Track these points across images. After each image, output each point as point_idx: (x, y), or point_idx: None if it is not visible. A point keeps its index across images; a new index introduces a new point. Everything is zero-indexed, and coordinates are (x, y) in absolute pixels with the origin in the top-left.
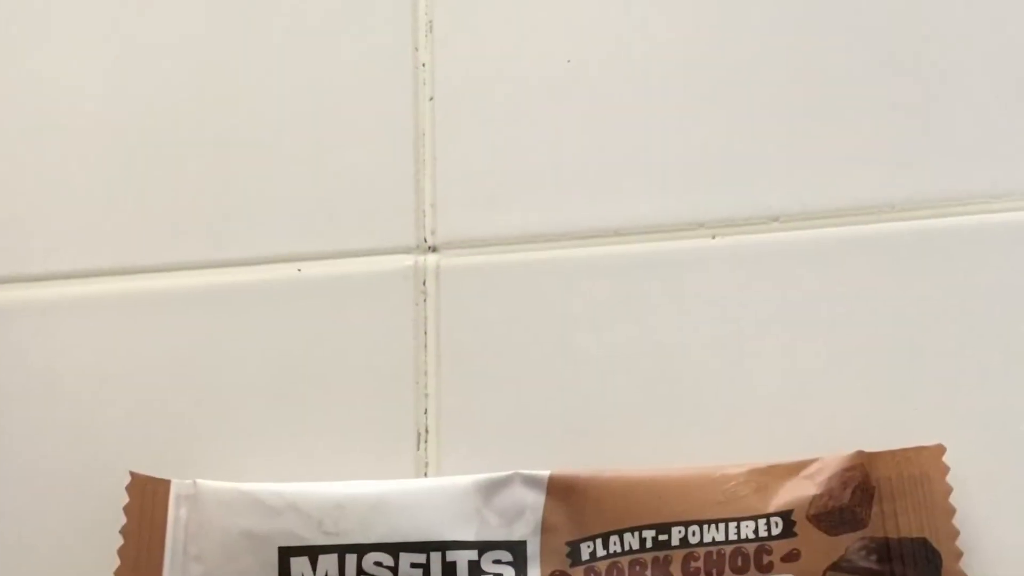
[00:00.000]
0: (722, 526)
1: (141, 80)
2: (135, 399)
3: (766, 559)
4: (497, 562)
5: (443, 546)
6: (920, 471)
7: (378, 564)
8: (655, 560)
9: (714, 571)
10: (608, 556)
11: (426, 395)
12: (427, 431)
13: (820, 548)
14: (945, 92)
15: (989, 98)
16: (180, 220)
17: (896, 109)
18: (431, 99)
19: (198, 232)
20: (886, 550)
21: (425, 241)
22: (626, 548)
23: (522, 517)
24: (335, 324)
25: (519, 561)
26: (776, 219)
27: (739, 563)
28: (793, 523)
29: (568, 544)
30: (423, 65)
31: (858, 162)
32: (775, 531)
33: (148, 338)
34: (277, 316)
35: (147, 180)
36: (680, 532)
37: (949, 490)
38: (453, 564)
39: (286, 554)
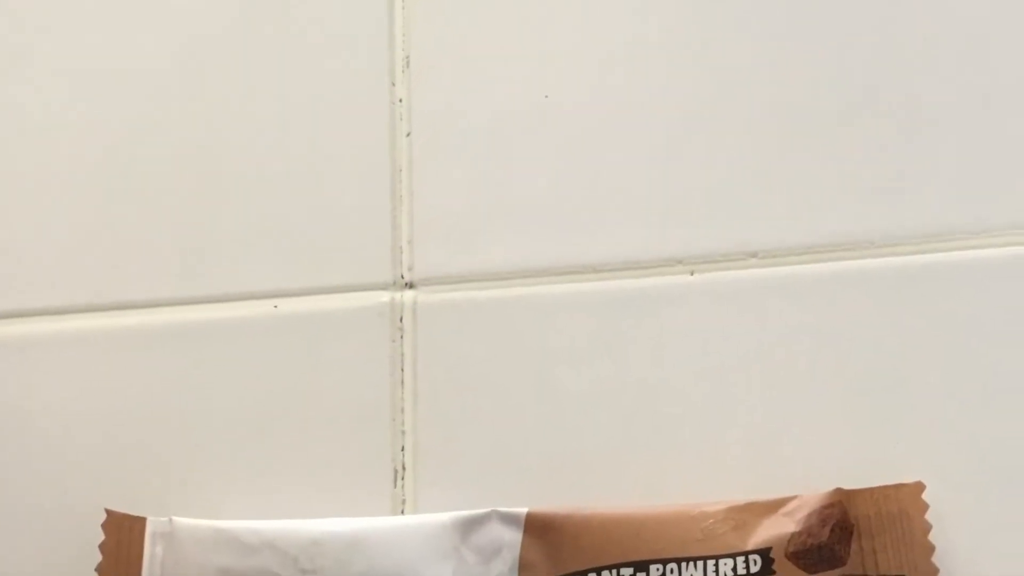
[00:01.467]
0: (700, 564)
1: (117, 115)
2: (111, 436)
3: None
4: None
5: None
6: (899, 508)
7: None
8: None
9: None
10: None
11: (403, 432)
12: (404, 468)
13: None
14: (925, 128)
15: (970, 134)
16: (156, 256)
17: (876, 145)
18: (408, 135)
19: (174, 268)
20: None
21: (402, 277)
22: None
23: (499, 555)
24: (312, 361)
25: None
26: (755, 255)
27: None
28: (772, 561)
29: None
30: (400, 100)
31: (838, 198)
32: (753, 569)
33: (124, 375)
34: (253, 353)
35: (123, 216)
36: (659, 570)
37: (928, 528)
38: None
39: None
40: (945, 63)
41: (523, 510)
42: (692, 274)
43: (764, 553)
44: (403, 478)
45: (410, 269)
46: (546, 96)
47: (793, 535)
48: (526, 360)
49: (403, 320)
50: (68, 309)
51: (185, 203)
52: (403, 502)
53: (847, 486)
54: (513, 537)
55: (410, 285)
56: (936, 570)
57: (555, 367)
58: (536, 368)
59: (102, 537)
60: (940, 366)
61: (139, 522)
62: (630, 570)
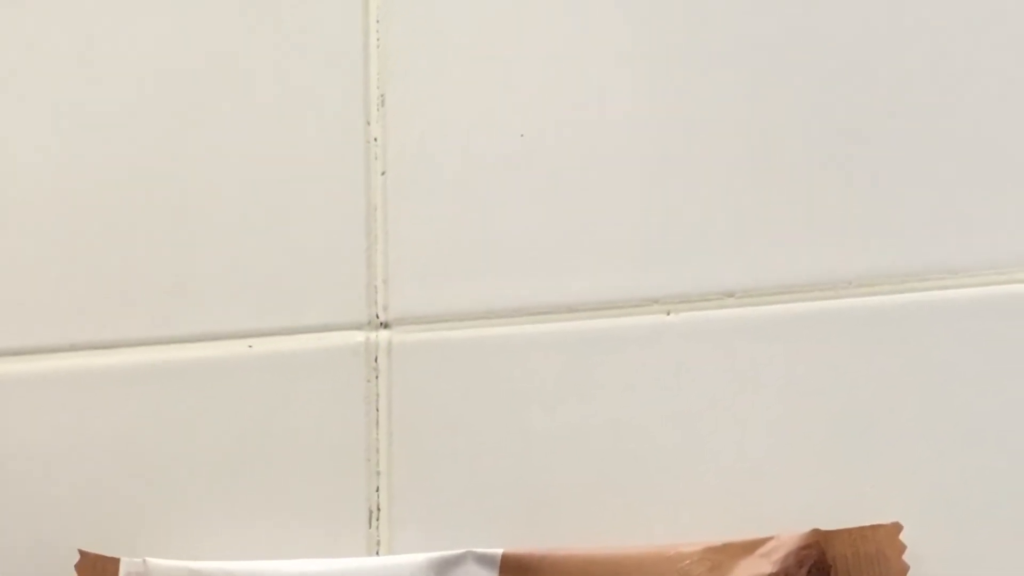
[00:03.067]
0: None
1: (91, 155)
2: (84, 476)
3: None
4: None
5: None
6: (877, 549)
7: None
8: None
9: None
10: None
11: (378, 472)
12: (379, 508)
13: None
14: (901, 168)
15: (945, 174)
16: (130, 296)
17: (852, 185)
18: (383, 173)
19: (148, 308)
20: None
21: (377, 317)
22: None
23: None
24: (286, 400)
25: None
26: (731, 295)
27: None
28: None
29: None
30: (375, 139)
31: (813, 238)
32: None
33: (98, 414)
34: (228, 392)
35: (96, 256)
36: None
37: (906, 568)
38: None
39: None
40: (919, 105)
41: (499, 551)
42: (668, 314)
43: None
44: (378, 518)
45: (385, 309)
46: (521, 135)
47: None
48: (501, 400)
49: (378, 360)
50: (41, 349)
51: (160, 243)
52: (378, 543)
53: (824, 527)
54: None
55: (385, 325)
56: None
57: (531, 407)
58: (511, 408)
59: None
60: (916, 406)
61: (112, 563)
62: None
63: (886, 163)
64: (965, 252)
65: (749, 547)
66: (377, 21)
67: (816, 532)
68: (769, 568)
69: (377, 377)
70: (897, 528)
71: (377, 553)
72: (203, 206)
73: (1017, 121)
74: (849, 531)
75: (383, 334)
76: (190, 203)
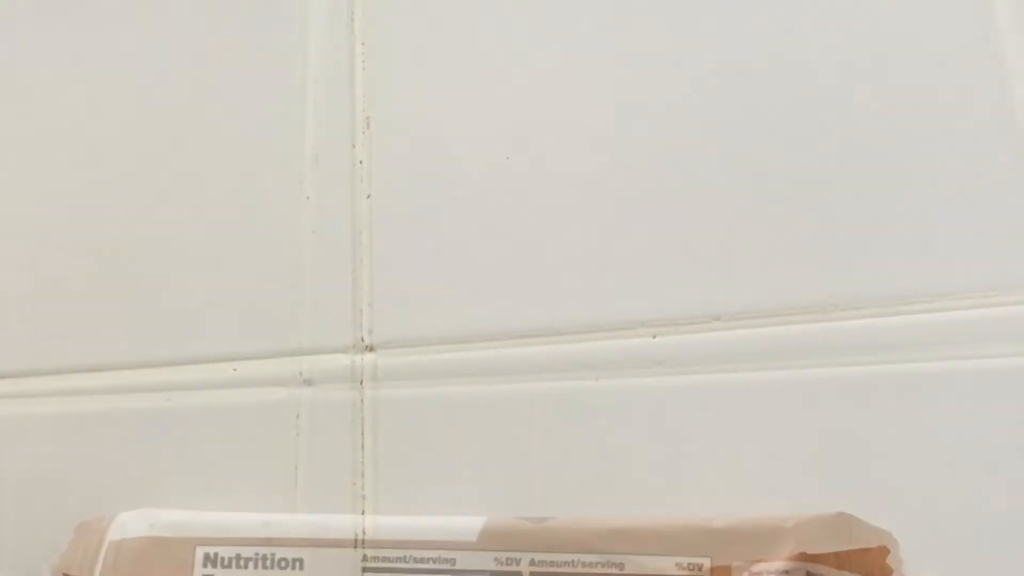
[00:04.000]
0: None
1: (74, 178)
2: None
3: None
4: None
5: None
6: (864, 573)
7: None
8: None
9: None
10: None
11: (363, 496)
12: (364, 533)
13: None
14: (887, 191)
15: (931, 197)
16: (115, 320)
17: (839, 208)
18: (369, 196)
19: (134, 332)
20: None
21: (363, 340)
22: None
23: None
24: (272, 424)
25: None
26: (718, 318)
27: None
28: None
29: None
30: (360, 162)
31: (800, 261)
32: None
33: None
34: (213, 416)
35: (82, 278)
36: None
37: None
38: None
39: None
40: (906, 128)
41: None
42: (655, 337)
43: None
44: (363, 543)
45: (370, 332)
46: (507, 159)
47: None
48: (487, 424)
49: (363, 383)
50: (19, 373)
51: (146, 266)
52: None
53: (811, 550)
54: None
55: (370, 348)
56: None
57: (516, 431)
58: (497, 432)
59: None
60: (902, 429)
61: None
62: None
63: (872, 187)
64: (951, 276)
65: (735, 570)
66: (362, 44)
67: (803, 555)
68: None
69: (362, 400)
70: (884, 552)
71: None
72: (189, 228)
73: (997, 146)
74: (836, 554)
75: (368, 357)
76: (175, 226)
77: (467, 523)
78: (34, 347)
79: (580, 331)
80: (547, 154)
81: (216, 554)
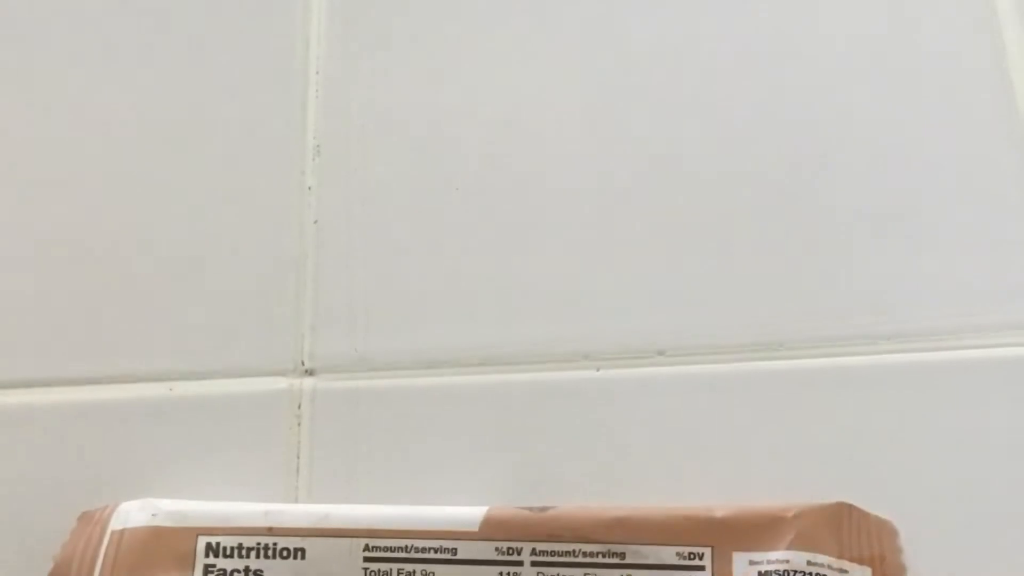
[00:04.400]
0: None
1: (10, 187)
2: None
3: None
4: None
5: None
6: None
7: None
8: None
9: None
10: None
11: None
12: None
13: None
14: (835, 230)
15: (878, 238)
16: (49, 335)
17: (786, 247)
18: (315, 222)
19: (67, 348)
20: None
21: (302, 364)
22: None
23: None
24: (205, 446)
25: None
26: (662, 353)
27: None
28: None
29: None
30: (309, 188)
31: (746, 299)
32: None
33: (14, 456)
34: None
35: (15, 294)
36: None
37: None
38: None
39: None
40: (859, 163)
41: None
42: (598, 370)
43: None
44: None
45: (311, 356)
46: (456, 189)
47: None
48: (426, 452)
49: (301, 407)
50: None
51: (82, 282)
52: None
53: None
54: None
55: (310, 372)
56: None
57: (454, 459)
58: (436, 459)
59: None
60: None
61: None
62: None
63: (819, 226)
64: (898, 317)
65: None
66: (316, 73)
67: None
68: None
69: (299, 424)
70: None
71: None
72: (128, 245)
73: (960, 185)
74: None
75: (307, 381)
76: (114, 242)
77: (468, 513)
78: (35, 339)
79: (523, 361)
80: (494, 186)
81: (218, 543)
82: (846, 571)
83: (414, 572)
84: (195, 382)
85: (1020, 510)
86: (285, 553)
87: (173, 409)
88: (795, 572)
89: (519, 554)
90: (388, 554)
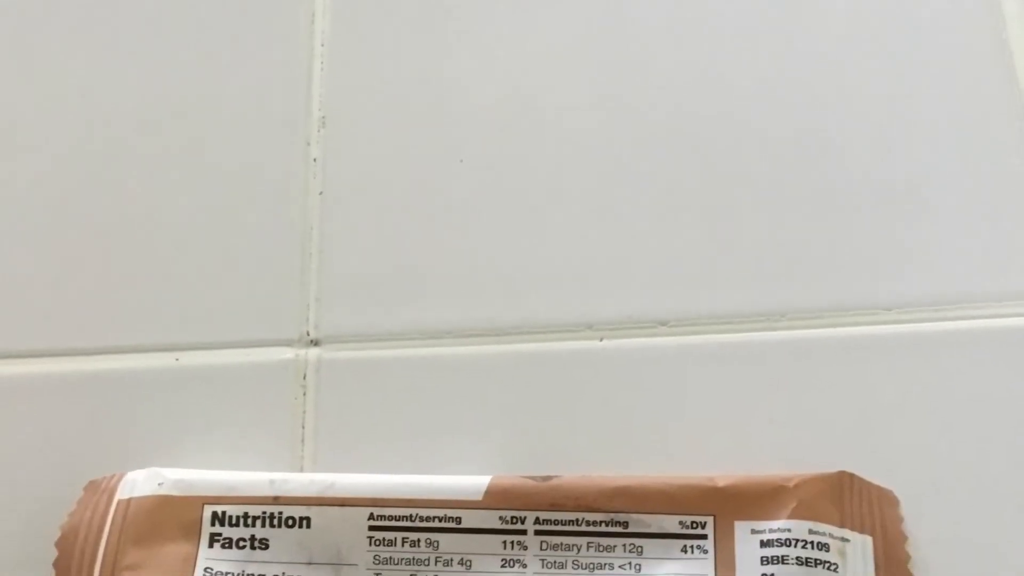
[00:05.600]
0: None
1: (19, 160)
2: (7, 487)
3: None
4: None
5: None
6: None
7: None
8: None
9: None
10: None
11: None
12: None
13: None
14: (836, 203)
15: (880, 209)
16: (56, 307)
17: (787, 219)
18: (321, 193)
19: (75, 319)
20: None
21: (307, 334)
22: None
23: None
24: (212, 415)
25: None
26: (664, 323)
27: None
28: None
29: None
30: (314, 160)
31: (749, 270)
32: None
33: (21, 425)
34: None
35: (23, 264)
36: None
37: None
38: None
39: None
40: (857, 136)
41: None
42: (601, 340)
43: None
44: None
45: (316, 327)
46: (461, 161)
47: None
48: (430, 421)
49: (306, 377)
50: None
51: (89, 253)
52: None
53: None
54: None
55: (315, 342)
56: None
57: (459, 429)
58: (439, 430)
59: None
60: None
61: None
62: None
63: (819, 197)
64: (899, 288)
65: None
66: (322, 45)
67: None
68: None
69: (305, 394)
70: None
71: None
72: (135, 216)
73: (961, 158)
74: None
75: (312, 351)
76: (121, 213)
77: (472, 482)
78: (43, 310)
79: (527, 332)
80: (500, 158)
81: (224, 512)
82: (847, 540)
83: (419, 540)
84: (201, 352)
85: (1020, 480)
86: (290, 522)
87: (180, 379)
88: (797, 541)
89: (523, 523)
90: (393, 523)
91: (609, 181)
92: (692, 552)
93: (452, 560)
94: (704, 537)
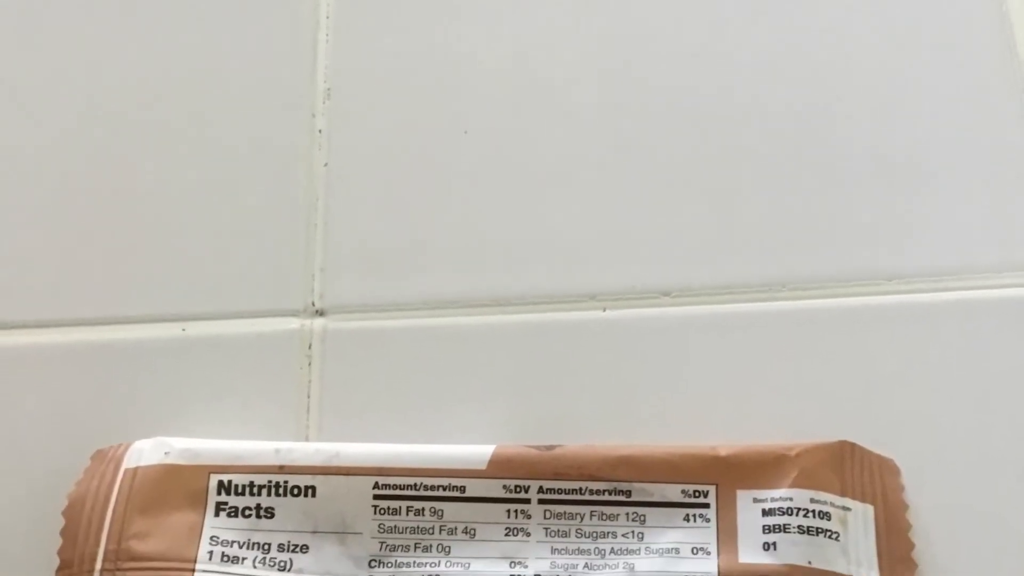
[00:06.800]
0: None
1: (26, 131)
2: (15, 456)
3: None
4: None
5: None
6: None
7: None
8: None
9: None
10: None
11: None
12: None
13: None
14: (838, 173)
15: (881, 181)
16: (64, 277)
17: (789, 190)
18: (326, 165)
19: (82, 289)
20: None
21: (312, 305)
22: None
23: None
24: (218, 385)
25: None
26: (667, 293)
27: None
28: None
29: None
30: (319, 132)
31: (751, 240)
32: None
33: (28, 395)
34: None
35: (31, 235)
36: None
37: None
38: None
39: None
40: (859, 108)
41: None
42: (604, 310)
43: None
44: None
45: (321, 297)
46: (465, 132)
47: None
48: (434, 391)
49: (311, 347)
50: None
51: (97, 224)
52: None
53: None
54: None
55: (320, 312)
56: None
57: (463, 399)
58: (444, 399)
59: None
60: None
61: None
62: None
63: (822, 168)
64: (900, 259)
65: None
66: (327, 17)
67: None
68: None
69: (310, 364)
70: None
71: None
72: (142, 188)
73: (962, 129)
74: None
75: (318, 322)
76: (129, 185)
77: (476, 451)
78: (50, 280)
79: (530, 302)
80: (504, 130)
81: (230, 481)
82: (849, 508)
83: (423, 509)
84: (207, 323)
85: (1020, 448)
86: (296, 491)
87: (186, 349)
88: (798, 510)
89: (526, 492)
90: (397, 492)
91: (613, 153)
92: (694, 521)
93: (456, 529)
94: (706, 506)
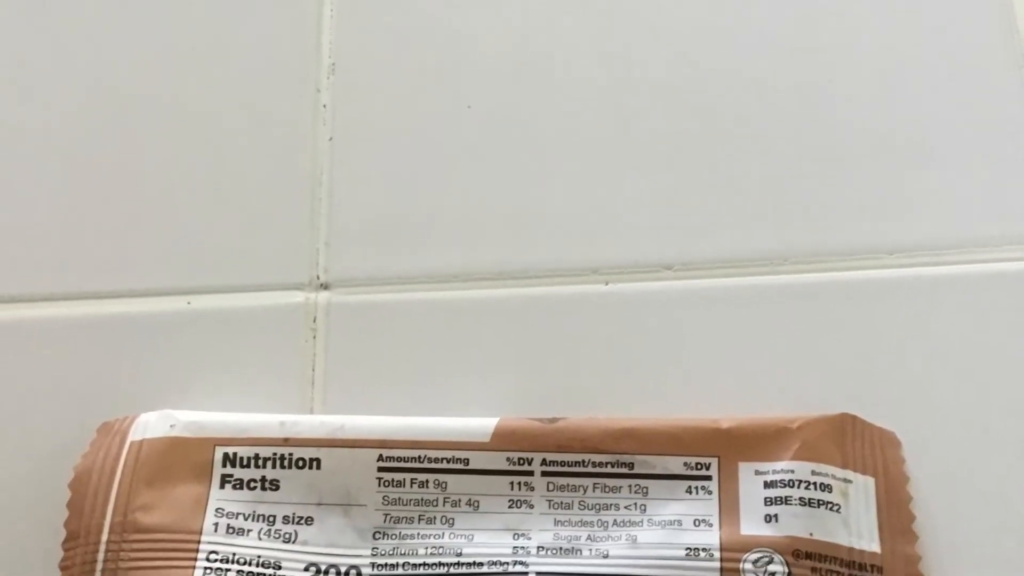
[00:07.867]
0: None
1: (32, 107)
2: (21, 430)
3: None
4: None
5: None
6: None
7: None
8: None
9: None
10: None
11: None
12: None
13: None
14: (839, 148)
15: (882, 155)
16: (69, 250)
17: (790, 164)
18: (331, 139)
19: (87, 262)
20: None
21: (317, 278)
22: None
23: None
24: (223, 358)
25: None
26: (669, 267)
27: None
28: None
29: None
30: (324, 106)
31: (752, 214)
32: None
33: (34, 368)
34: (165, 349)
35: (36, 209)
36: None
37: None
38: None
39: None
40: (861, 85)
41: None
42: (607, 284)
43: None
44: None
45: (326, 270)
46: (469, 106)
47: None
48: (438, 364)
49: (316, 320)
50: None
51: (102, 198)
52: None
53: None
54: None
55: (325, 286)
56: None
57: (467, 372)
58: (447, 372)
59: None
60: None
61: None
62: None
63: (824, 142)
64: (900, 233)
65: None
66: None
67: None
68: None
69: (315, 337)
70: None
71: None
72: (147, 160)
73: (961, 105)
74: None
75: (322, 295)
76: (134, 157)
77: (480, 424)
78: (55, 253)
79: (533, 275)
80: (507, 104)
81: (235, 454)
82: (850, 481)
83: (427, 482)
84: (213, 296)
85: (1019, 421)
86: (300, 463)
87: (191, 322)
88: (800, 482)
89: (529, 464)
90: (401, 464)
91: (615, 127)
92: (697, 493)
93: (460, 501)
94: (708, 478)
